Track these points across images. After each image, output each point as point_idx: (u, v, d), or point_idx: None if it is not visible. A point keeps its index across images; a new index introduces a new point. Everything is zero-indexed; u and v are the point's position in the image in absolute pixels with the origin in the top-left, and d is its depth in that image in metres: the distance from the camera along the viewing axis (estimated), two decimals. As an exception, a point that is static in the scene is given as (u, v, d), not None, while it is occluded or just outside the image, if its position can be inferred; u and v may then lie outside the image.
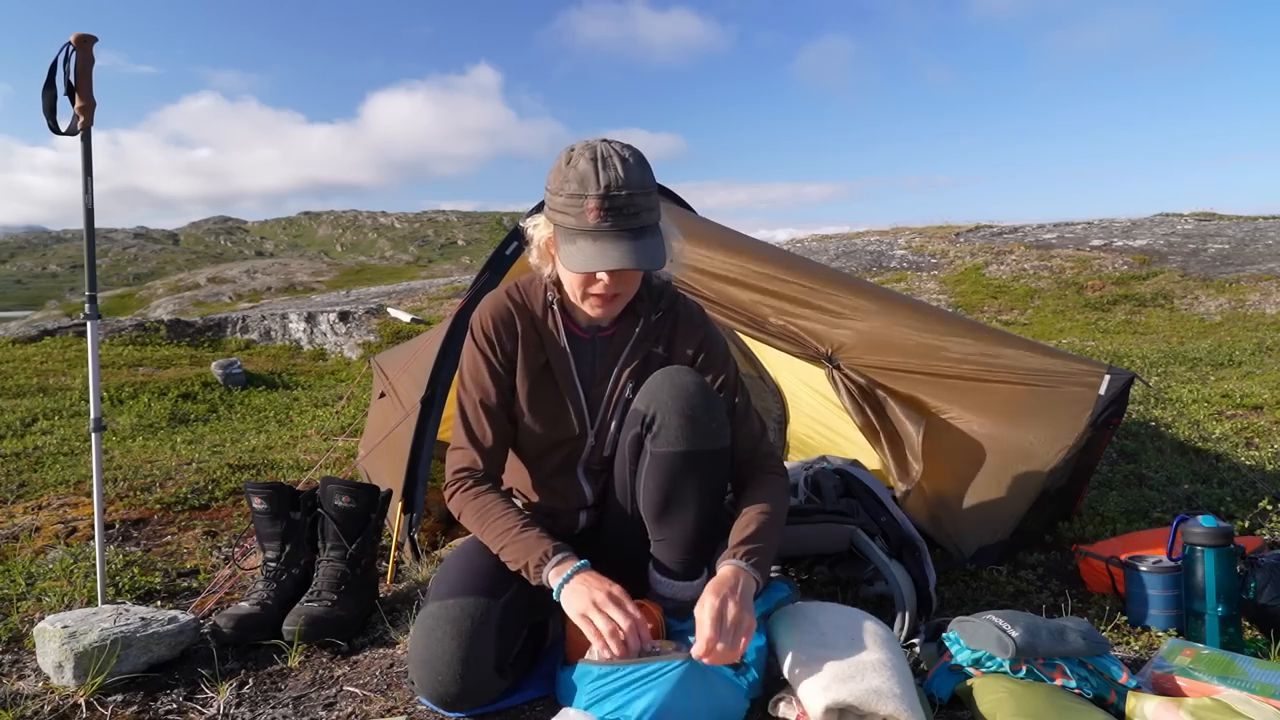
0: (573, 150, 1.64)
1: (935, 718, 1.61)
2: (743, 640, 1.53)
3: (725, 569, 1.62)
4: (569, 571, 1.60)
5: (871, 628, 1.66)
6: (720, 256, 2.67)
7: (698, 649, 1.49)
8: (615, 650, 1.49)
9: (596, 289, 1.68)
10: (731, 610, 1.53)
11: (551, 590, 1.62)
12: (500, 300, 1.86)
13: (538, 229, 1.75)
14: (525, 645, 1.80)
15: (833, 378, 2.47)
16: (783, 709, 1.60)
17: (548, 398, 1.85)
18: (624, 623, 1.51)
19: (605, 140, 1.64)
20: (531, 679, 1.77)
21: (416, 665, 1.63)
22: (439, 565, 2.27)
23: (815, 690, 1.50)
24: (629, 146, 1.63)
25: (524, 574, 1.67)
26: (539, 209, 1.80)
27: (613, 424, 1.85)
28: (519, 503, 1.93)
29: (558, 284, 1.83)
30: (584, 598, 1.55)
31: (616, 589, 1.57)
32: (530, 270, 1.89)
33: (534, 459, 1.91)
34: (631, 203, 1.58)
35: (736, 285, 2.60)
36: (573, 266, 1.62)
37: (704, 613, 1.52)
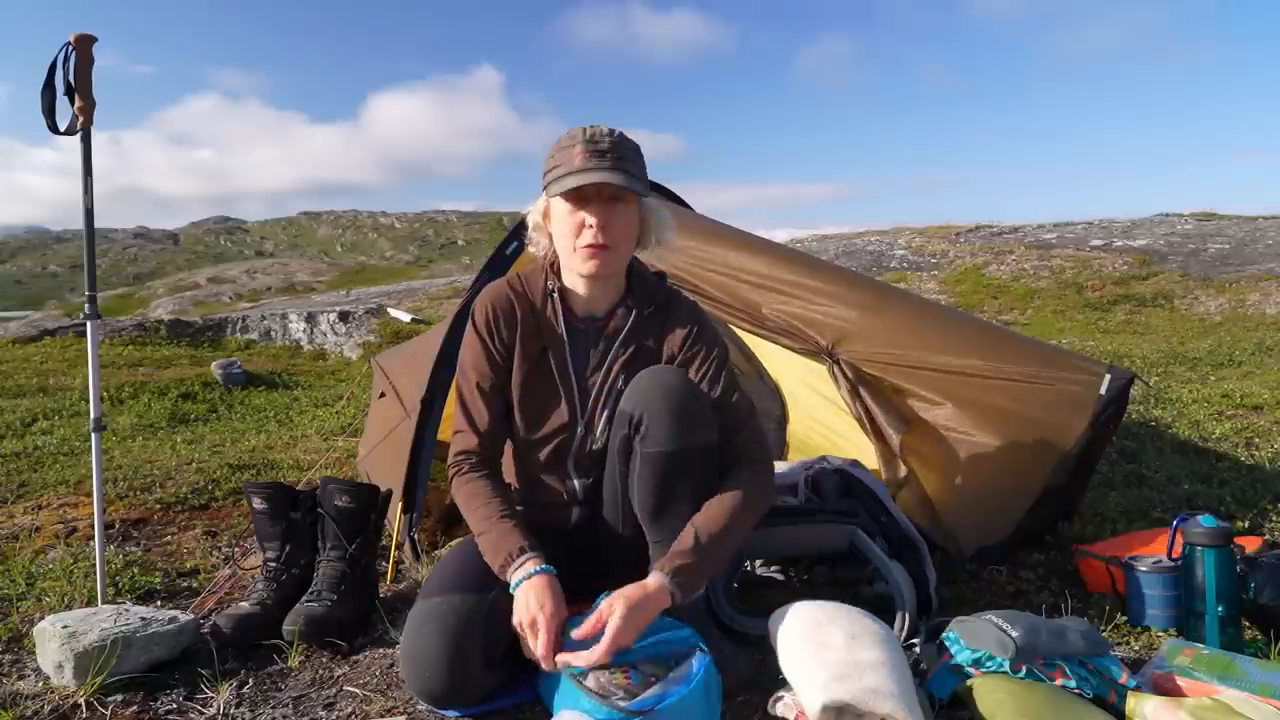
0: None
1: (935, 718, 1.61)
2: (603, 649, 1.52)
3: (650, 580, 1.61)
4: (528, 573, 1.64)
5: (870, 627, 1.66)
6: (718, 252, 2.66)
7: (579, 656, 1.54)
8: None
9: (586, 238, 1.74)
10: (616, 625, 1.54)
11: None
12: (502, 289, 1.91)
13: (534, 210, 1.86)
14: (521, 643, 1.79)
15: (832, 371, 2.47)
16: (780, 708, 1.60)
17: (542, 386, 1.88)
18: (537, 651, 1.57)
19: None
20: (528, 679, 1.77)
21: (405, 663, 1.65)
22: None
23: (813, 689, 1.50)
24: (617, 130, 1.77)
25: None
26: None
27: (602, 416, 1.86)
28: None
29: (556, 270, 1.88)
30: (522, 610, 1.61)
31: (549, 609, 1.58)
32: (530, 265, 1.96)
33: (525, 450, 1.92)
34: (615, 148, 1.71)
35: (735, 280, 2.59)
36: (560, 191, 1.72)
37: (613, 622, 1.54)
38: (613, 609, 1.56)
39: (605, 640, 1.53)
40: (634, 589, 1.60)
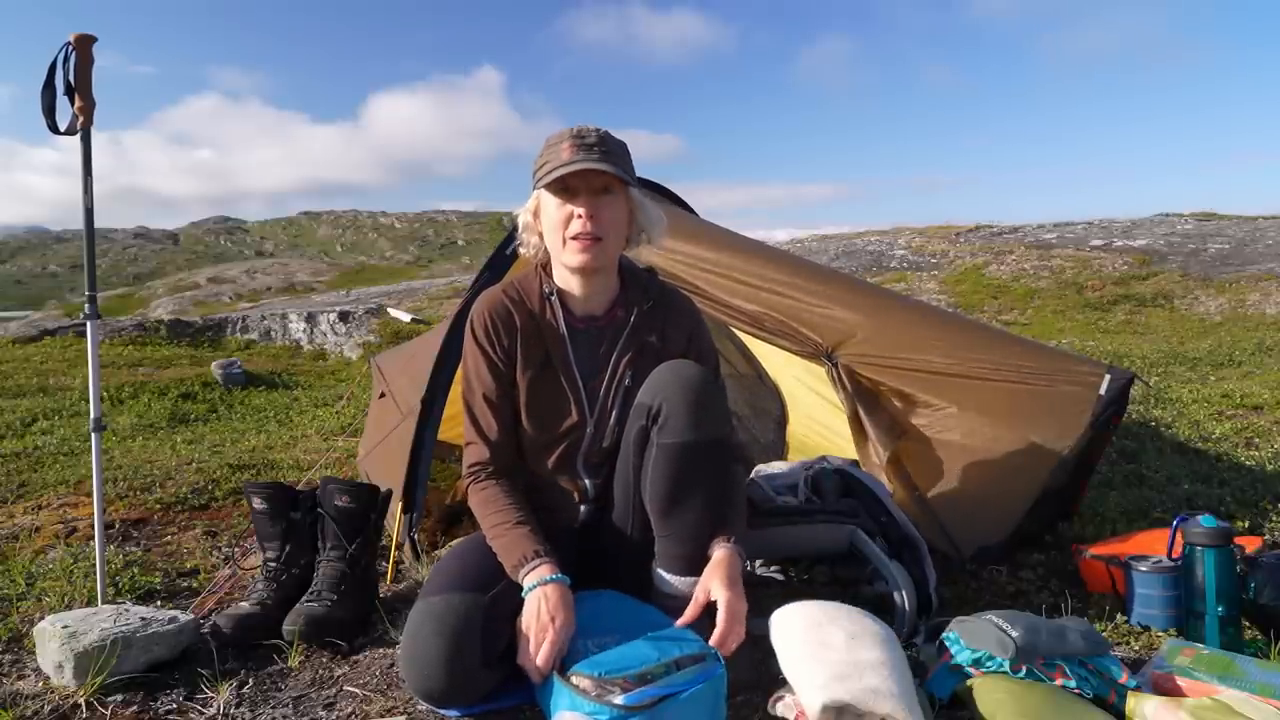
0: None
1: (935, 718, 1.61)
2: (726, 626, 1.64)
3: (725, 553, 1.72)
4: (542, 578, 1.67)
5: (870, 627, 1.66)
6: (718, 255, 2.67)
7: (719, 641, 1.61)
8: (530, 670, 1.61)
9: (575, 228, 1.76)
10: (741, 604, 1.65)
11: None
12: (497, 296, 1.91)
13: (524, 209, 1.88)
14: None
15: (831, 375, 2.47)
16: (780, 708, 1.60)
17: (548, 389, 1.88)
18: (536, 659, 1.58)
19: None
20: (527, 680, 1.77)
21: (404, 663, 1.65)
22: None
23: (813, 689, 1.50)
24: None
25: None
26: None
27: (612, 414, 1.87)
28: None
29: (548, 271, 1.90)
30: (531, 615, 1.63)
31: (560, 620, 1.61)
32: (523, 271, 1.97)
33: (535, 452, 1.92)
34: (602, 142, 1.75)
35: (735, 284, 2.60)
36: (548, 183, 1.74)
37: (722, 606, 1.64)
38: (709, 589, 1.66)
39: (725, 617, 1.62)
40: (715, 564, 1.70)
